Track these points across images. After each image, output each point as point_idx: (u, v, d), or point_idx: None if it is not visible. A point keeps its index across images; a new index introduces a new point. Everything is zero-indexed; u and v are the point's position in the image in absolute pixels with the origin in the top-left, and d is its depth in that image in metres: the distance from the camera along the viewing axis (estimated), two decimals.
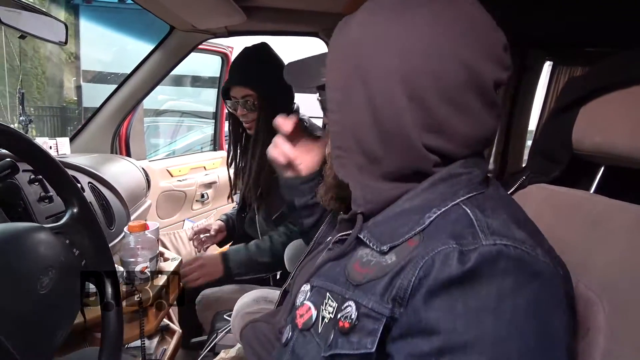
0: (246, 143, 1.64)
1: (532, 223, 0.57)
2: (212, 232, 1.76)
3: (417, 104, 0.53)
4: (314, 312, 0.58)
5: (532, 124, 2.03)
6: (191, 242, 1.77)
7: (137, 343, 1.16)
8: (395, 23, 0.55)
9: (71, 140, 1.91)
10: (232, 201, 1.95)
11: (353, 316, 0.52)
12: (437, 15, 0.54)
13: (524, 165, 1.82)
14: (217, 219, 1.86)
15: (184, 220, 2.49)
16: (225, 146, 2.94)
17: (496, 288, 0.46)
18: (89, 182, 1.35)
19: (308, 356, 0.57)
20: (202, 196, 2.60)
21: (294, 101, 1.58)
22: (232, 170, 1.75)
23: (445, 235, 0.50)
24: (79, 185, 1.24)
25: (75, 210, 0.75)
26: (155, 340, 1.40)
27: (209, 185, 2.64)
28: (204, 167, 2.67)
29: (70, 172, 1.28)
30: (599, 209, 0.64)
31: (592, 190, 0.78)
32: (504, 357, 0.44)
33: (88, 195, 1.29)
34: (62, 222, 0.73)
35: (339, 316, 0.54)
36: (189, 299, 1.67)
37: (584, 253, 0.61)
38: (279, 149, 0.85)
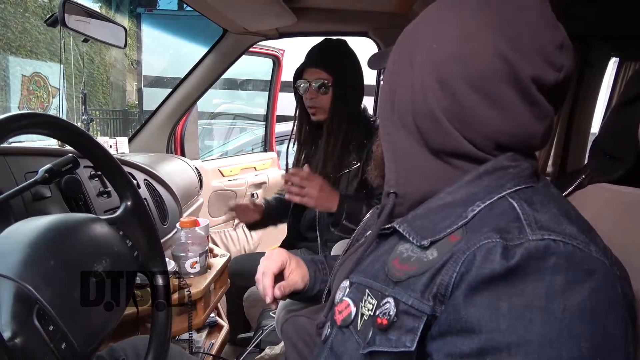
0: (309, 133, 1.56)
1: (585, 220, 0.53)
2: (251, 207, 1.63)
3: (445, 89, 0.54)
4: (353, 309, 0.57)
5: (595, 127, 1.89)
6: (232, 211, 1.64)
7: (186, 335, 1.20)
8: (445, 10, 0.56)
9: (130, 140, 2.02)
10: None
11: (392, 313, 0.51)
12: (484, 3, 0.54)
13: None
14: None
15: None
16: (275, 147, 2.98)
17: (545, 286, 0.42)
18: (145, 179, 1.41)
19: (346, 353, 0.56)
20: (252, 196, 2.64)
21: (362, 102, 1.52)
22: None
23: (488, 229, 0.47)
24: (135, 181, 1.32)
25: (129, 203, 0.78)
26: (204, 334, 1.44)
27: (259, 185, 2.68)
28: (255, 168, 2.71)
29: (127, 169, 1.36)
30: None
31: None
32: None
33: (143, 191, 1.35)
34: (117, 214, 0.76)
35: (377, 313, 0.53)
36: (237, 296, 1.69)
37: None
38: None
